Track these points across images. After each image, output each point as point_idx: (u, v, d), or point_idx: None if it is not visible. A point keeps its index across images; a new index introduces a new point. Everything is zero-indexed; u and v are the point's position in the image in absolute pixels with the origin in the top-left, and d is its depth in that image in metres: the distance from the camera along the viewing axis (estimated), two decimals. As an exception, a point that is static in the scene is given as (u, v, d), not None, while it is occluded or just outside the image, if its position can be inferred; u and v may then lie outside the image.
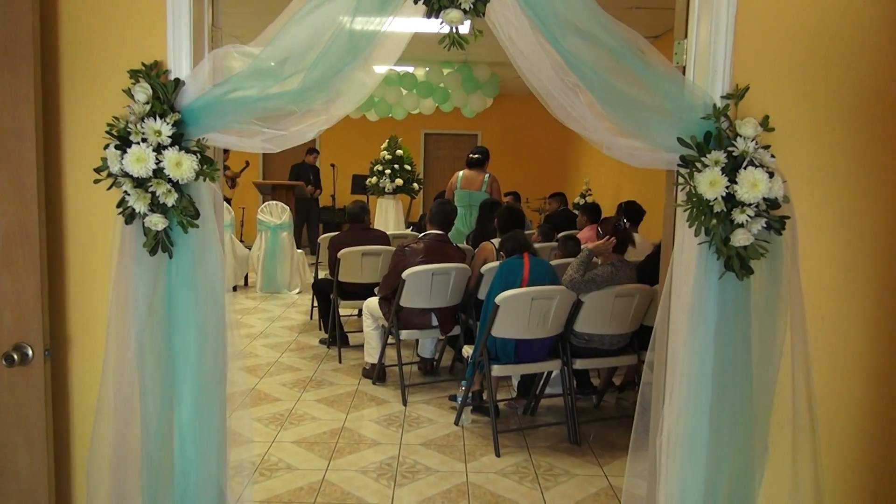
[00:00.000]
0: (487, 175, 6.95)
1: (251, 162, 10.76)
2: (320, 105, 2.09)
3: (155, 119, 1.89)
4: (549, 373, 4.35)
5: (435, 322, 4.75)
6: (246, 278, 8.86)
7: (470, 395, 4.34)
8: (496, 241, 4.90)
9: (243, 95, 2.00)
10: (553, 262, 4.86)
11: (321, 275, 6.60)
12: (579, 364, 4.14)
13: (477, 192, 6.91)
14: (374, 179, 9.57)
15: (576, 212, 8.46)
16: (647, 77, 2.00)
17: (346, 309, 5.89)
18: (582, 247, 4.20)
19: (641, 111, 2.01)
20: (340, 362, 5.56)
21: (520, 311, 3.82)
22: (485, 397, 4.36)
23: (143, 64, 1.96)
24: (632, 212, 5.40)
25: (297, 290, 8.39)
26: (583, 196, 8.89)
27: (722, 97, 2.02)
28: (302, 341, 6.21)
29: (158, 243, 1.97)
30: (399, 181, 9.32)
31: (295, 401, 4.66)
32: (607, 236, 4.08)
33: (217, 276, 2.08)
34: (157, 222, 1.93)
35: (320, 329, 6.39)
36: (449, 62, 9.03)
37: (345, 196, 11.56)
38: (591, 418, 4.51)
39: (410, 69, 9.28)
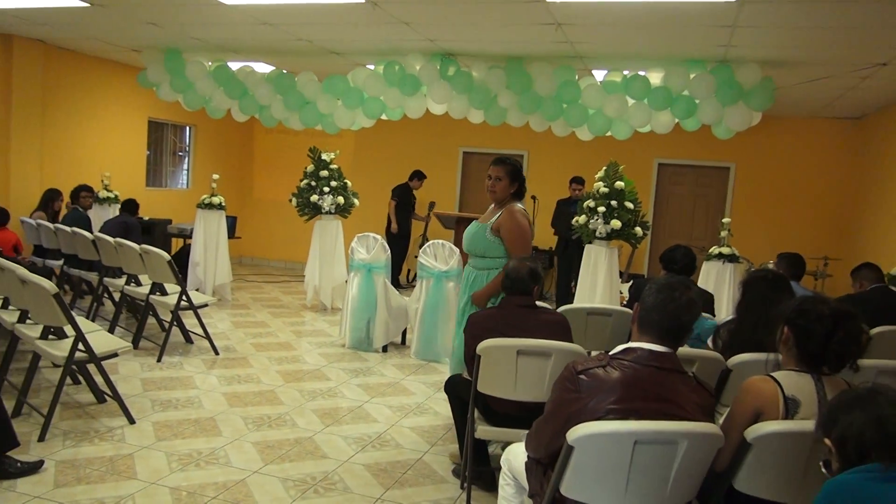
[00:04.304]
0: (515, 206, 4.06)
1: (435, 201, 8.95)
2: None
3: None
4: None
5: (635, 536, 2.24)
6: (404, 334, 6.92)
7: None
8: (785, 374, 2.27)
9: None
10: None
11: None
12: None
13: (481, 225, 4.09)
14: (582, 218, 7.14)
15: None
16: None
17: (493, 437, 3.54)
18: None
19: None
20: (468, 531, 3.24)
21: None
22: None
23: None
24: None
25: (462, 361, 6.21)
26: (905, 264, 5.63)
27: None
28: (428, 464, 3.97)
29: None
30: (616, 223, 6.73)
31: None
32: None
33: None
34: None
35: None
36: (699, 61, 6.35)
37: (546, 237, 9.26)
38: None
39: (641, 72, 6.75)
